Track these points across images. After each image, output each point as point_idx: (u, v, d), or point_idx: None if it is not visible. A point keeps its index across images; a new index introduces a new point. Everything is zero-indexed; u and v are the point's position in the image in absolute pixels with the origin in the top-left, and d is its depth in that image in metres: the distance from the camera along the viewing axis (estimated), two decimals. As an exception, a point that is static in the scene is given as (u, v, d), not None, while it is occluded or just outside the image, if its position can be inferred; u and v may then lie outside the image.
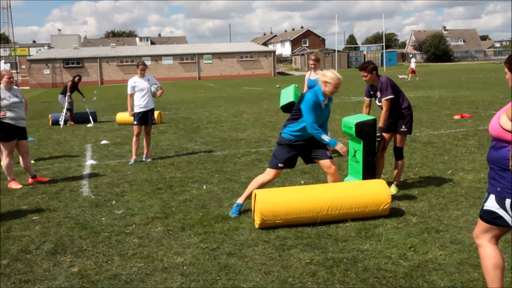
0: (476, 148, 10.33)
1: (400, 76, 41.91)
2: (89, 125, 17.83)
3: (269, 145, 11.81)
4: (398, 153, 7.42)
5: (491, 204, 3.51)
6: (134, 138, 10.37)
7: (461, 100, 20.56)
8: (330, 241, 5.48)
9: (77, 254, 5.37)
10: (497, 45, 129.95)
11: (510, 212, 3.43)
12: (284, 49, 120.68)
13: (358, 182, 6.70)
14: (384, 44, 75.47)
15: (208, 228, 6.02)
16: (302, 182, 8.05)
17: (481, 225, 3.64)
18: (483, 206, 3.59)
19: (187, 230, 6.02)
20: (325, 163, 6.43)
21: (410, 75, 40.76)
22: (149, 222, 6.39)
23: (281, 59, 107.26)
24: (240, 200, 6.56)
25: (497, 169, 3.47)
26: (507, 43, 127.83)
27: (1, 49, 76.20)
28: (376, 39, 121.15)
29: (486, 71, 51.69)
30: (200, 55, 73.21)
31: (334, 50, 78.12)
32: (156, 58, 72.10)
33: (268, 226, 5.89)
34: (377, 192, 6.17)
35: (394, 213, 6.30)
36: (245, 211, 6.61)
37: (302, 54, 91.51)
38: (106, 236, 5.90)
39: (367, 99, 7.53)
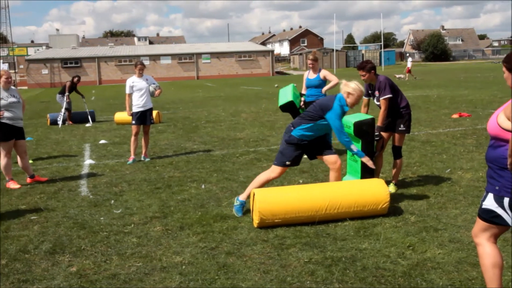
0: (474, 147, 10.34)
1: (397, 76, 41.94)
2: (87, 124, 17.82)
3: (267, 145, 11.81)
4: (397, 152, 7.42)
5: (489, 203, 3.52)
6: (132, 138, 10.36)
7: (460, 99, 20.57)
8: (328, 240, 5.48)
9: (76, 254, 5.36)
10: (496, 44, 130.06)
11: (508, 211, 3.44)
12: (283, 49, 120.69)
13: (356, 181, 6.70)
14: (382, 43, 75.45)
15: (206, 228, 6.02)
16: (301, 181, 8.05)
17: (479, 224, 3.64)
18: (481, 205, 3.59)
19: (186, 229, 6.02)
20: (330, 158, 6.48)
21: (407, 74, 40.79)
22: (147, 221, 6.39)
23: (279, 59, 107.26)
24: (242, 197, 6.52)
25: (496, 168, 3.47)
26: (505, 42, 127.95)
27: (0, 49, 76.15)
28: (374, 38, 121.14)
29: (484, 70, 51.74)
30: (199, 54, 73.18)
31: (333, 50, 78.16)
32: (155, 57, 72.06)
33: (267, 225, 5.89)
34: (376, 191, 6.17)
35: (392, 212, 6.30)
36: (244, 211, 6.61)
37: (301, 54, 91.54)
38: (105, 236, 5.89)
39: (365, 98, 7.54)
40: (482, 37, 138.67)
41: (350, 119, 7.03)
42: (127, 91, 10.37)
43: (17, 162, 9.09)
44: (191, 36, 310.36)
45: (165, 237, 5.78)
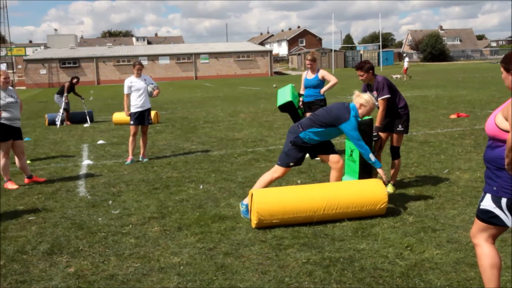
0: (472, 147, 10.35)
1: (394, 76, 41.94)
2: (85, 125, 17.81)
3: (265, 145, 11.81)
4: (395, 153, 7.43)
5: (487, 203, 3.52)
6: (130, 138, 10.36)
7: (458, 100, 20.59)
8: (326, 240, 5.48)
9: (74, 255, 5.35)
10: (494, 44, 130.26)
11: (506, 212, 3.44)
12: (281, 49, 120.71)
13: (354, 182, 6.70)
14: (380, 43, 75.54)
15: (204, 228, 6.02)
16: (299, 182, 8.05)
17: (477, 224, 3.65)
18: (479, 205, 3.59)
19: (184, 230, 6.01)
20: (333, 158, 6.53)
21: (404, 74, 40.78)
22: (145, 222, 6.38)
23: (277, 59, 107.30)
24: (246, 201, 6.50)
25: (493, 168, 3.48)
26: (504, 43, 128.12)
27: (-2, 49, 76.05)
28: (372, 38, 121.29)
29: (482, 70, 51.80)
30: (197, 54, 73.19)
31: (331, 50, 78.19)
32: (153, 58, 72.06)
33: (265, 226, 5.89)
34: (374, 191, 6.17)
35: (390, 212, 6.31)
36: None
37: (299, 54, 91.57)
38: (103, 236, 5.89)
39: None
40: (480, 37, 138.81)
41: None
42: (125, 91, 10.36)
43: (14, 163, 9.08)
44: (190, 36, 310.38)
45: (163, 238, 5.78)
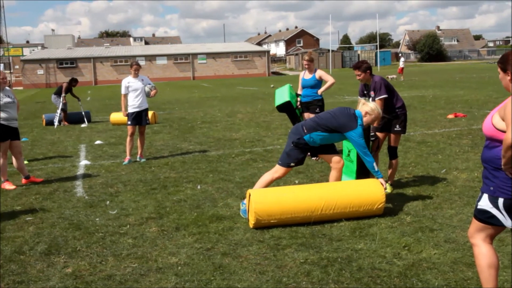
0: (469, 147, 10.36)
1: (389, 77, 41.96)
2: (83, 125, 17.79)
3: (263, 145, 11.81)
4: (392, 153, 7.43)
5: (484, 203, 3.52)
6: (128, 138, 10.35)
7: (455, 100, 20.62)
8: (324, 240, 5.49)
9: (71, 255, 5.35)
10: (491, 44, 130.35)
11: (503, 212, 3.44)
12: (278, 49, 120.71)
13: (352, 182, 6.71)
14: (378, 44, 75.59)
15: (202, 228, 6.02)
16: (297, 182, 8.05)
17: (475, 224, 3.65)
18: (476, 205, 3.60)
19: (182, 230, 6.01)
20: (335, 158, 6.56)
21: (399, 74, 40.79)
22: (143, 222, 6.38)
23: (275, 59, 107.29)
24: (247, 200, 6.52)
25: (491, 168, 3.48)
26: (501, 43, 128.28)
27: (-5, 49, 75.93)
28: (370, 39, 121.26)
29: (480, 70, 51.87)
30: (195, 55, 73.15)
31: (328, 50, 78.17)
32: (150, 58, 72.00)
33: (262, 226, 5.89)
34: (371, 191, 6.18)
35: (388, 212, 6.31)
36: (240, 211, 6.61)
37: (296, 54, 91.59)
38: (100, 237, 5.88)
39: (361, 99, 7.54)
40: (477, 37, 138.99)
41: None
42: (123, 91, 10.35)
43: (12, 163, 9.07)
44: (187, 36, 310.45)
45: (160, 238, 5.78)
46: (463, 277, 4.45)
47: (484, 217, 3.55)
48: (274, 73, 78.58)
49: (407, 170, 8.60)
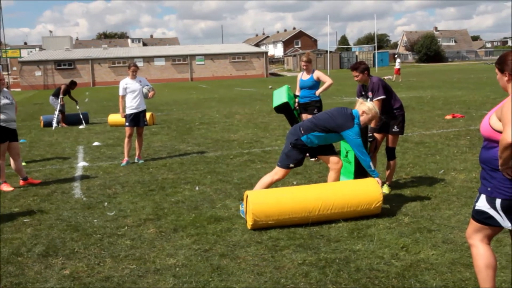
0: (467, 148, 10.37)
1: (385, 78, 41.98)
2: (81, 126, 17.77)
3: (261, 146, 11.81)
4: (390, 153, 7.44)
5: (482, 204, 3.53)
6: (126, 140, 10.34)
7: (453, 100, 20.64)
8: (322, 241, 5.49)
9: (69, 257, 5.34)
10: (489, 45, 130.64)
11: (500, 212, 3.45)
12: (276, 50, 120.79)
13: (349, 182, 6.71)
14: (376, 44, 75.58)
15: (200, 230, 6.02)
16: (295, 183, 8.05)
17: (473, 225, 3.66)
18: (474, 206, 3.61)
19: (180, 231, 6.01)
20: (333, 159, 6.58)
21: (395, 75, 40.80)
22: (141, 223, 6.37)
23: (273, 60, 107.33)
24: None
25: (488, 169, 3.49)
26: (498, 44, 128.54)
27: (-8, 51, 75.82)
28: (368, 39, 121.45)
29: (477, 71, 51.94)
30: (193, 56, 73.12)
31: (326, 51, 78.23)
32: (148, 59, 71.94)
33: (260, 227, 5.89)
34: (369, 191, 6.18)
35: (386, 213, 6.31)
36: (238, 212, 6.61)
37: (294, 55, 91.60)
38: (98, 238, 5.88)
39: (359, 99, 7.54)
40: (475, 38, 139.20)
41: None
42: (121, 93, 10.35)
43: (10, 165, 9.06)
44: (185, 37, 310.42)
45: (158, 239, 5.77)
46: (461, 277, 4.46)
47: (481, 217, 3.55)
48: (272, 74, 78.59)
49: (405, 171, 8.60)
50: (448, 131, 12.62)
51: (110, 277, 4.76)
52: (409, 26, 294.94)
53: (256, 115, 18.99)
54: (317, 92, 9.88)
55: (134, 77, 10.33)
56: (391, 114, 7.25)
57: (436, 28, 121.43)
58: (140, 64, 67.44)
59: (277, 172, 6.53)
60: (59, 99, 17.81)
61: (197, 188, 8.06)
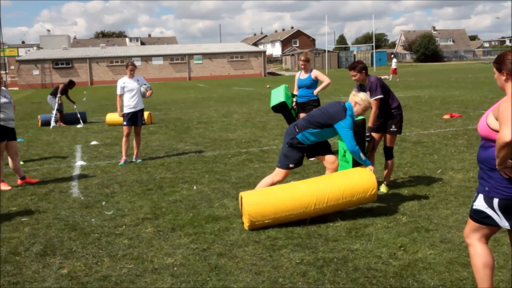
0: (465, 147, 10.38)
1: (382, 77, 41.97)
2: (78, 126, 17.75)
3: (259, 145, 11.81)
4: (388, 153, 7.44)
5: (479, 203, 3.53)
6: (124, 139, 10.33)
7: (451, 100, 20.65)
8: (320, 241, 5.49)
9: (67, 256, 5.34)
10: (486, 45, 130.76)
11: (498, 212, 3.45)
12: (275, 50, 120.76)
13: (342, 173, 6.60)
14: (374, 44, 75.64)
15: (198, 229, 6.01)
16: (293, 182, 8.04)
17: (470, 224, 3.66)
18: (472, 205, 3.61)
19: (178, 230, 6.01)
20: (329, 158, 6.60)
21: (391, 75, 40.83)
22: (139, 223, 6.37)
23: (271, 60, 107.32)
24: None
25: (486, 168, 3.49)
26: (496, 43, 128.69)
27: (-10, 50, 75.69)
28: (366, 39, 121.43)
29: (475, 70, 51.98)
30: (191, 55, 73.09)
31: (324, 50, 78.28)
32: (146, 58, 71.91)
33: (257, 227, 5.88)
34: (362, 179, 6.16)
35: (384, 212, 6.32)
36: (236, 211, 6.61)
37: (293, 55, 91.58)
38: (96, 237, 5.87)
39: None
40: (473, 38, 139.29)
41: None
42: (118, 92, 10.34)
43: (8, 164, 9.04)
44: (183, 37, 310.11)
45: (156, 239, 5.77)
46: (459, 277, 4.46)
47: (479, 217, 3.56)
48: (270, 73, 78.57)
49: (403, 171, 8.61)
50: (446, 131, 12.63)
51: (108, 277, 4.76)
52: (407, 26, 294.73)
53: (254, 114, 18.98)
54: (315, 92, 9.88)
55: (132, 76, 10.32)
56: (389, 114, 7.25)
57: (434, 27, 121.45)
58: (138, 63, 67.41)
59: (278, 173, 6.53)
60: (57, 98, 17.79)
61: (195, 188, 8.05)
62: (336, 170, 6.60)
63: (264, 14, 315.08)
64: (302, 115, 9.80)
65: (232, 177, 8.64)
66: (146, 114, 15.58)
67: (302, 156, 6.53)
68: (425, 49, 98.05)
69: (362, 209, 6.57)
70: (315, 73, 9.95)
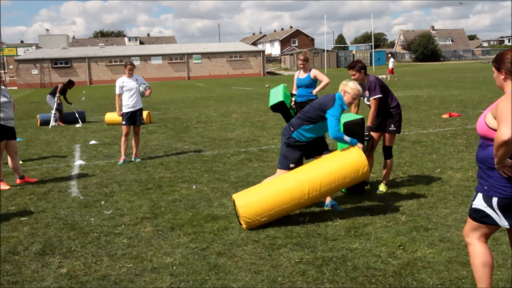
0: (464, 147, 10.39)
1: (379, 77, 41.91)
2: (77, 125, 17.74)
3: (258, 145, 11.81)
4: (387, 152, 7.44)
5: (478, 202, 3.54)
6: (123, 138, 10.33)
7: (450, 99, 20.66)
8: (319, 240, 5.49)
9: (66, 255, 5.34)
10: (485, 44, 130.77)
11: (497, 211, 3.46)
12: (274, 49, 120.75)
13: (330, 156, 6.39)
14: (373, 43, 75.69)
15: (197, 228, 6.01)
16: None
17: (470, 223, 3.66)
18: (471, 204, 3.61)
19: (177, 230, 6.01)
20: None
21: (389, 75, 40.84)
22: (138, 222, 6.37)
23: (270, 59, 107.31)
24: None
25: (485, 168, 3.49)
26: (495, 43, 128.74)
27: (-11, 49, 75.63)
28: (365, 38, 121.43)
29: (474, 70, 52.01)
30: (190, 55, 73.08)
31: (323, 50, 78.25)
32: (145, 58, 71.89)
33: (255, 226, 5.88)
34: (352, 159, 6.08)
35: (383, 211, 6.32)
36: (235, 211, 6.61)
37: (291, 54, 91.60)
38: (95, 237, 5.87)
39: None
40: (471, 37, 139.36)
41: (340, 120, 7.02)
42: (117, 91, 10.33)
43: (7, 163, 9.04)
44: (182, 36, 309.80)
45: (155, 238, 5.77)
46: (458, 276, 4.47)
47: (478, 216, 3.56)
48: (269, 73, 78.57)
49: (402, 170, 8.61)
50: (444, 130, 12.64)
51: (107, 276, 4.76)
52: (406, 25, 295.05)
53: (253, 114, 18.99)
54: (314, 91, 9.87)
55: (130, 75, 10.31)
56: (388, 113, 7.26)
57: (433, 27, 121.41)
58: (137, 62, 67.42)
59: (279, 174, 6.52)
60: (56, 98, 17.78)
61: (194, 187, 8.05)
62: None
63: (263, 13, 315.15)
64: (300, 114, 9.79)
65: (231, 177, 8.64)
66: (145, 113, 15.55)
67: (301, 154, 6.52)
68: (424, 48, 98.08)
69: (361, 208, 6.58)
70: (314, 72, 9.95)
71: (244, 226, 5.88)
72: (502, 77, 3.46)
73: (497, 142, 3.22)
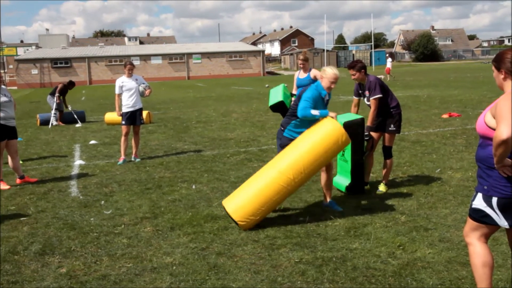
0: (464, 147, 10.39)
1: (378, 77, 41.90)
2: (77, 125, 17.73)
3: (258, 145, 11.81)
4: (387, 152, 7.44)
5: (478, 202, 3.54)
6: (122, 138, 10.33)
7: (450, 99, 20.66)
8: (319, 240, 5.49)
9: (66, 255, 5.34)
10: (485, 44, 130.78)
11: (497, 211, 3.45)
12: (273, 49, 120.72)
13: (306, 133, 6.24)
14: (373, 43, 75.71)
15: (197, 228, 6.01)
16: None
17: (470, 223, 3.66)
18: (471, 204, 3.61)
19: (176, 230, 6.01)
20: None
21: (388, 75, 40.85)
22: (138, 222, 6.37)
23: (270, 59, 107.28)
24: None
25: (484, 167, 3.49)
26: (495, 43, 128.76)
27: (-12, 49, 75.60)
28: (365, 38, 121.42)
29: (474, 70, 52.01)
30: (189, 54, 73.04)
31: (323, 50, 78.28)
32: (145, 57, 71.84)
33: (252, 225, 5.87)
34: (328, 130, 5.97)
35: (383, 211, 6.32)
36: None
37: (291, 54, 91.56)
38: (95, 237, 5.87)
39: (355, 98, 7.55)
40: (471, 37, 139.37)
41: (340, 119, 7.02)
42: (117, 91, 10.33)
43: (7, 163, 9.03)
44: (182, 36, 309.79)
45: (155, 238, 5.77)
46: (458, 276, 4.47)
47: (478, 216, 3.56)
48: (269, 73, 78.55)
49: (401, 170, 8.61)
50: (444, 130, 12.64)
51: (107, 276, 4.76)
52: (406, 25, 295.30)
53: (253, 113, 18.98)
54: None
55: (130, 75, 10.31)
56: (388, 113, 7.26)
57: (433, 27, 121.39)
58: (136, 62, 67.39)
59: None
60: (55, 98, 17.78)
61: (193, 187, 8.05)
62: (331, 170, 6.55)
63: (263, 13, 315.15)
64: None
65: (231, 177, 8.64)
66: (145, 113, 15.56)
67: None
68: (424, 48, 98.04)
69: (361, 208, 6.58)
70: (314, 72, 9.93)
71: (242, 228, 5.87)
72: (502, 76, 3.46)
73: (496, 141, 3.22)
